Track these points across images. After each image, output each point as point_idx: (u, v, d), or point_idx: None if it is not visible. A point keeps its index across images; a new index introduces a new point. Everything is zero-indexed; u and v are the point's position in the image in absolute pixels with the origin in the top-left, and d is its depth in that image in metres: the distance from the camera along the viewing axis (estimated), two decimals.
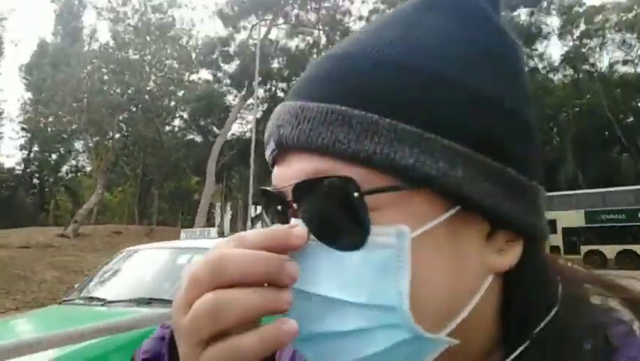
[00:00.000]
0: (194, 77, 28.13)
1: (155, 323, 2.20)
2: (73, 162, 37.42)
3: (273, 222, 0.42)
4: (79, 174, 38.30)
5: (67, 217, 29.99)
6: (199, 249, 4.38)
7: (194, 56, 27.46)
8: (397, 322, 0.34)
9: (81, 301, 4.15)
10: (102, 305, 3.84)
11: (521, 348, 0.37)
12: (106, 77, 24.34)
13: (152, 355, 0.48)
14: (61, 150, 35.06)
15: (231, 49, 28.47)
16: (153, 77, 25.64)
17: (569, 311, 0.38)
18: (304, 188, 0.37)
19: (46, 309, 5.03)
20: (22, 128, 34.61)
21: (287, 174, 0.40)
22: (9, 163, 40.06)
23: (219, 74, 28.20)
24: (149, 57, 25.32)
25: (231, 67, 27.77)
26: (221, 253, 0.33)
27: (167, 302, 3.47)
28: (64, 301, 4.46)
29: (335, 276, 0.35)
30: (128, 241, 20.06)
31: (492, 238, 0.38)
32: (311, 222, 0.37)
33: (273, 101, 27.97)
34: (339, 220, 0.36)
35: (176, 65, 26.28)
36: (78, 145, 31.22)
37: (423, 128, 0.35)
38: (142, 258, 4.74)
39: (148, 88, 25.26)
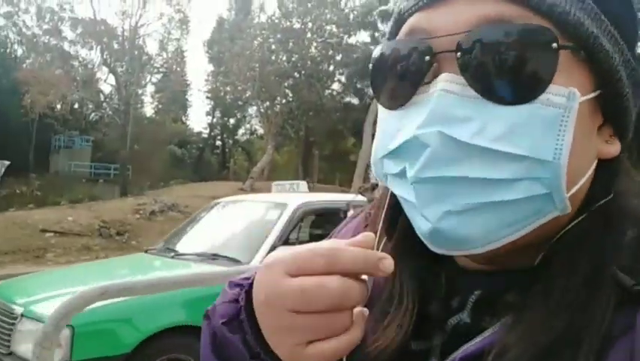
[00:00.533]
0: (352, 39, 28.58)
1: (217, 282, 2.12)
2: (248, 126, 41.92)
3: (398, 79, 0.42)
4: (252, 136, 42.84)
5: (244, 174, 34.09)
6: (285, 205, 4.29)
7: (351, 18, 27.79)
8: (546, 176, 0.37)
9: (156, 252, 4.50)
10: (172, 257, 4.14)
11: (581, 217, 0.40)
12: (273, 47, 26.38)
13: (229, 318, 0.46)
14: (238, 115, 39.49)
15: (390, 7, 27.91)
16: (314, 44, 26.88)
17: (622, 203, 0.42)
18: (489, 33, 0.37)
19: (132, 256, 5.54)
20: (207, 97, 39.86)
21: (450, 20, 0.38)
22: (197, 127, 46.58)
23: (377, 35, 28.01)
24: (310, 24, 26.52)
25: (390, 26, 27.37)
26: (336, 248, 0.39)
27: (231, 260, 3.62)
28: (148, 250, 4.88)
29: (497, 127, 0.37)
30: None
31: (601, 130, 0.42)
32: (478, 73, 0.37)
33: None
34: (524, 71, 0.37)
35: (335, 30, 27.02)
36: (251, 111, 34.69)
37: (600, 6, 0.39)
38: (230, 210, 4.98)
39: (310, 54, 26.66)
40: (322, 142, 33.62)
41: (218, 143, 44.24)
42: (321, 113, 29.33)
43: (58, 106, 28.28)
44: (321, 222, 4.79)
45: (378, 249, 0.43)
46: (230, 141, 43.42)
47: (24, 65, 30.21)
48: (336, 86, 31.30)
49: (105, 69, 30.36)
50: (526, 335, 0.37)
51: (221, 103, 36.35)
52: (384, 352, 0.43)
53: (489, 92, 0.37)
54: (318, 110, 29.18)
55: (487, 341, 0.40)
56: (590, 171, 0.41)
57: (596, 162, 0.41)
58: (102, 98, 32.45)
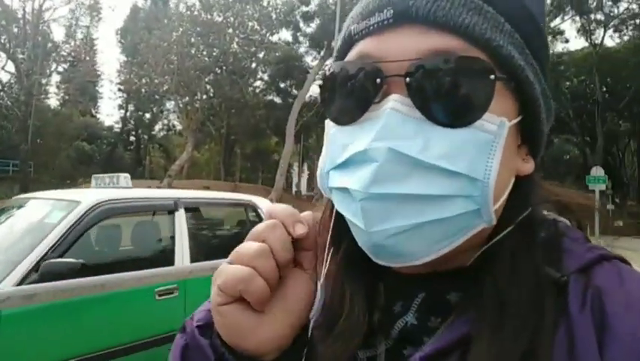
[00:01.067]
0: (274, 37, 28.55)
1: None
2: (165, 122, 40.13)
3: (349, 97, 0.45)
4: (170, 132, 41.10)
5: (161, 172, 32.65)
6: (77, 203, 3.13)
7: (274, 16, 27.76)
8: (477, 194, 0.41)
9: None
10: None
11: (507, 230, 0.45)
12: (193, 40, 25.51)
13: (203, 323, 0.51)
14: (154, 109, 37.66)
15: (311, 8, 28.34)
16: (236, 39, 26.43)
17: (536, 212, 0.48)
18: (437, 62, 0.41)
19: None
20: (119, 90, 37.56)
21: (399, 48, 0.42)
22: (108, 121, 43.76)
23: (299, 35, 28.33)
24: (232, 19, 26.03)
25: (311, 27, 27.71)
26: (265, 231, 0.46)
27: None
28: None
29: (439, 147, 0.41)
30: None
31: (519, 149, 0.47)
32: (425, 97, 0.41)
33: None
34: (465, 98, 0.41)
35: (257, 27, 26.81)
36: (169, 105, 33.32)
37: (524, 41, 0.44)
38: (15, 212, 3.69)
39: (232, 50, 26.16)
40: (244, 140, 33.24)
41: (132, 138, 41.89)
42: (243, 110, 28.98)
43: None
44: (147, 226, 3.74)
45: (325, 260, 0.48)
46: (146, 137, 41.24)
47: None
48: (258, 83, 31.13)
49: (3, 55, 27.40)
50: (487, 330, 0.41)
51: (136, 96, 34.43)
52: None
53: (432, 114, 0.41)
54: (240, 107, 28.80)
55: (445, 339, 0.43)
56: (510, 187, 0.45)
57: (514, 178, 0.46)
58: None
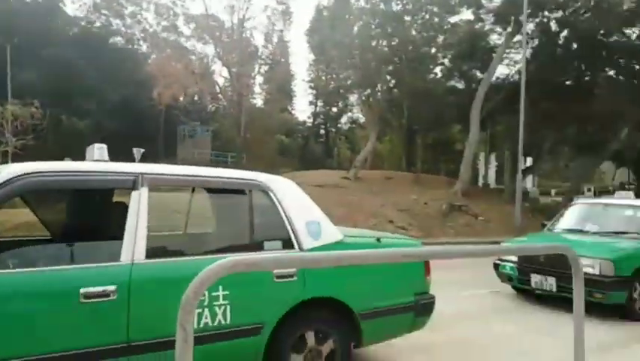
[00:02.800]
0: (454, 19, 27.22)
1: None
2: (350, 115, 42.39)
3: None
4: (354, 125, 43.26)
5: (347, 163, 34.67)
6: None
7: None
8: None
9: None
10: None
11: None
12: (373, 33, 26.18)
13: None
14: (340, 104, 40.12)
15: None
16: (415, 26, 26.13)
17: None
18: None
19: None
20: (310, 87, 41.03)
21: None
22: (302, 117, 48.22)
23: (481, 12, 26.29)
24: (410, 5, 25.79)
25: (494, 2, 25.34)
26: None
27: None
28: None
29: None
30: (398, 185, 21.85)
31: None
32: None
33: (545, 35, 24.41)
34: None
35: (436, 10, 25.95)
36: (353, 99, 34.99)
37: None
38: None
39: (410, 37, 25.97)
40: (426, 130, 32.77)
41: (322, 132, 45.48)
42: (424, 98, 28.56)
43: (181, 98, 31.32)
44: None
45: None
46: (333, 130, 44.35)
47: (148, 61, 33.92)
48: (438, 69, 30.16)
49: (219, 62, 32.73)
50: None
51: (324, 92, 37.16)
52: None
53: None
54: (421, 95, 28.46)
55: None
56: None
57: None
58: (217, 90, 35.16)
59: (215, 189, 3.14)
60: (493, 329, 5.11)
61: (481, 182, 30.27)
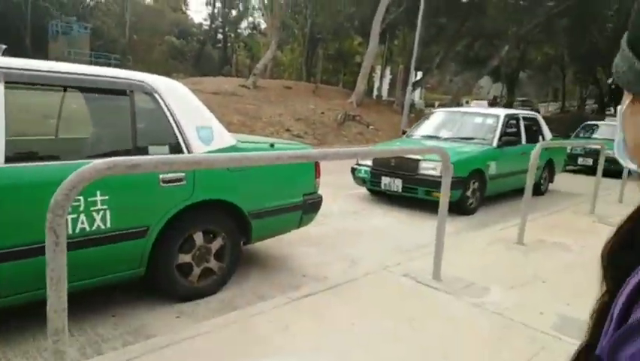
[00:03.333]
0: None
1: None
2: (251, 19, 39.96)
3: None
4: (255, 31, 41.04)
5: (246, 71, 33.31)
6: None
7: None
8: (624, 156, 0.52)
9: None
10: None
11: None
12: None
13: None
14: (240, 6, 37.45)
15: None
16: None
17: None
18: None
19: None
20: None
21: None
22: (197, 18, 44.37)
23: None
24: None
25: None
26: None
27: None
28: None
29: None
30: (297, 95, 21.76)
31: None
32: None
33: None
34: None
35: None
36: (254, 1, 32.83)
37: None
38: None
39: None
40: (327, 41, 32.33)
41: (220, 37, 42.58)
42: (328, 7, 27.77)
43: None
44: None
45: None
46: (232, 35, 41.71)
47: None
48: None
49: None
50: None
51: None
52: None
53: None
54: (325, 3, 27.62)
55: None
56: None
57: None
58: None
59: (91, 89, 2.71)
60: (370, 221, 5.73)
61: (375, 94, 31.26)
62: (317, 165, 3.75)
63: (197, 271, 3.07)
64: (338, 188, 6.97)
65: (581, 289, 3.33)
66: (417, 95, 29.18)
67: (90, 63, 28.70)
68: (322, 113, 18.24)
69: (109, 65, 30.06)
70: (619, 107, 0.51)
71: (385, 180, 6.39)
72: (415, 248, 4.55)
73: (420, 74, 27.96)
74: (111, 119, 3.10)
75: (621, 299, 0.46)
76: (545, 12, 23.83)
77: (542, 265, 4.05)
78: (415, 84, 25.01)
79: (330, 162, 5.39)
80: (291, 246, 4.41)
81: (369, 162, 6.61)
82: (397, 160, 6.23)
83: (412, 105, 22.40)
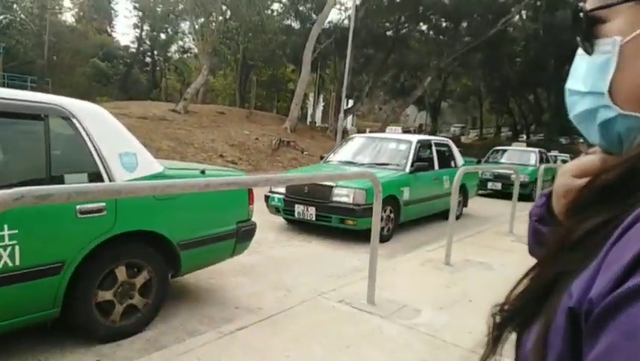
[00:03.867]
0: None
1: None
2: (181, 43, 39.26)
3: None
4: (186, 55, 40.34)
5: (176, 95, 32.50)
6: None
7: None
8: (606, 103, 0.49)
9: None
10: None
11: None
12: None
13: (539, 218, 0.68)
14: (170, 30, 36.74)
15: None
16: None
17: None
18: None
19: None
20: (134, 7, 36.43)
21: None
22: (124, 41, 42.84)
23: None
24: None
25: None
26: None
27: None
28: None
29: (578, 75, 0.53)
30: (230, 121, 21.52)
31: None
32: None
33: None
34: (583, 36, 0.52)
35: None
36: (185, 26, 32.39)
37: None
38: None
39: None
40: (260, 67, 32.51)
41: (148, 60, 41.33)
42: (260, 34, 28.03)
43: None
44: None
45: None
46: (162, 59, 40.66)
47: None
48: (276, 6, 29.82)
49: None
50: None
51: (151, 15, 33.45)
52: None
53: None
54: (257, 31, 27.86)
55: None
56: None
57: None
58: None
59: (0, 113, 2.48)
60: (305, 247, 5.67)
61: (309, 120, 31.76)
62: (250, 191, 3.68)
63: (119, 308, 2.85)
64: (271, 214, 6.90)
65: None
66: (349, 122, 30.02)
67: (2, 85, 26.55)
68: (257, 138, 18.15)
69: (25, 87, 27.99)
70: (616, 38, 0.48)
71: (299, 208, 6.08)
72: (350, 273, 4.57)
73: (351, 102, 28.88)
74: (23, 145, 2.82)
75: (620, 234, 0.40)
76: (462, 46, 25.79)
77: (468, 284, 4.23)
78: (347, 111, 25.75)
79: (263, 188, 5.32)
80: (223, 276, 4.25)
81: (283, 190, 6.30)
82: (311, 187, 5.96)
83: (345, 131, 22.99)
